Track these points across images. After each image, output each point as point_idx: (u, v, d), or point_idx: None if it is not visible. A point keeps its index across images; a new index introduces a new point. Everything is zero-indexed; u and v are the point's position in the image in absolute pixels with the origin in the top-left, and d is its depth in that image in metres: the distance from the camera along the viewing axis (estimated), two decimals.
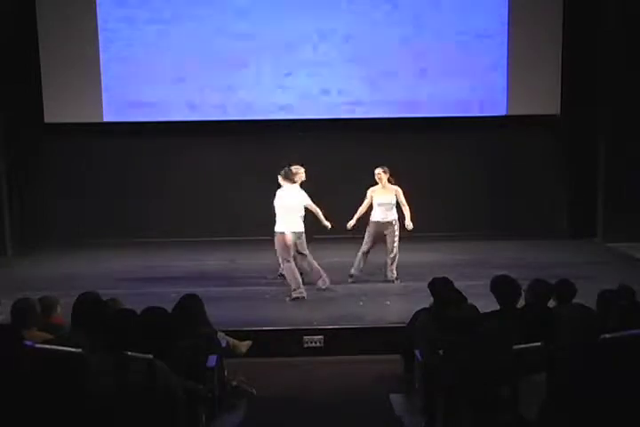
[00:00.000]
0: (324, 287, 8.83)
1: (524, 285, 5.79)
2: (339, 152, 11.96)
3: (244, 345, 6.65)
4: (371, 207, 9.24)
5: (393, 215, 9.18)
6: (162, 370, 4.30)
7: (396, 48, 11.91)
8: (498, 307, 5.66)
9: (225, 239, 11.85)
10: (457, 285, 6.19)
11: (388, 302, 8.42)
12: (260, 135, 11.97)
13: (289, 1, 11.90)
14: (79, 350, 4.43)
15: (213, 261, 10.61)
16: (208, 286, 8.83)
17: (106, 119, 11.97)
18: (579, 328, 4.83)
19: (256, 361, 6.80)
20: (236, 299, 8.68)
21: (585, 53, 11.89)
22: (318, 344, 7.44)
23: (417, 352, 5.74)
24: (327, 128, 11.98)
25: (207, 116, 11.94)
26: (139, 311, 4.84)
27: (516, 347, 4.58)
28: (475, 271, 9.36)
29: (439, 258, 10.54)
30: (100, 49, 11.79)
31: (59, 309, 5.75)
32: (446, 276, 6.31)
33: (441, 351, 5.12)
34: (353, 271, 9.30)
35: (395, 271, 9.27)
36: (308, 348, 7.43)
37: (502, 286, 5.69)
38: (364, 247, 9.25)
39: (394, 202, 9.15)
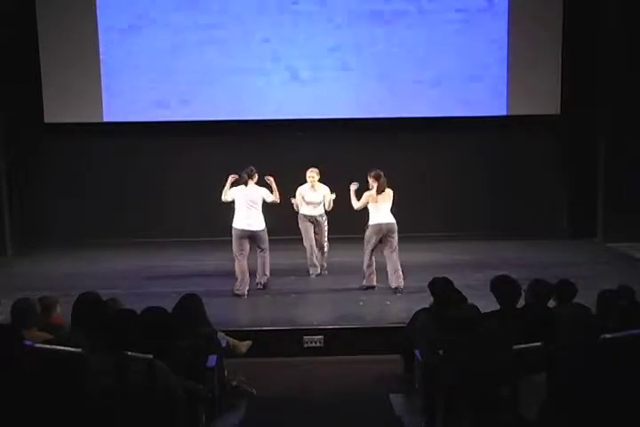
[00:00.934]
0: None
1: (524, 285, 5.79)
2: (339, 152, 11.95)
3: (244, 345, 6.66)
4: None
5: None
6: (162, 370, 4.30)
7: (397, 48, 11.91)
8: (498, 307, 5.66)
9: (225, 239, 11.81)
10: (457, 285, 6.19)
11: (388, 302, 8.42)
12: (260, 135, 11.97)
13: (289, 1, 11.89)
14: (79, 350, 4.43)
15: (213, 261, 10.60)
16: (208, 286, 8.83)
17: (106, 119, 11.97)
18: (579, 328, 4.82)
19: (256, 361, 6.80)
20: (235, 299, 8.68)
21: (585, 53, 11.89)
22: (318, 344, 7.44)
23: (417, 352, 5.74)
24: (327, 128, 11.98)
25: (207, 116, 11.93)
26: (139, 311, 4.84)
27: (515, 347, 4.58)
28: (475, 271, 9.36)
29: (439, 258, 10.54)
30: (100, 49, 11.79)
31: (58, 309, 5.76)
32: (446, 276, 6.31)
33: (441, 351, 5.13)
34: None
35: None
36: (307, 348, 7.43)
37: (502, 286, 5.69)
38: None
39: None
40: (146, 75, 11.88)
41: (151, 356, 4.31)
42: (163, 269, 10.29)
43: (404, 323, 6.65)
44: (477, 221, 12.31)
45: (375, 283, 8.92)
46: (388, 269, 8.80)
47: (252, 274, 9.01)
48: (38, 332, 5.08)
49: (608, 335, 4.48)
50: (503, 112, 12.12)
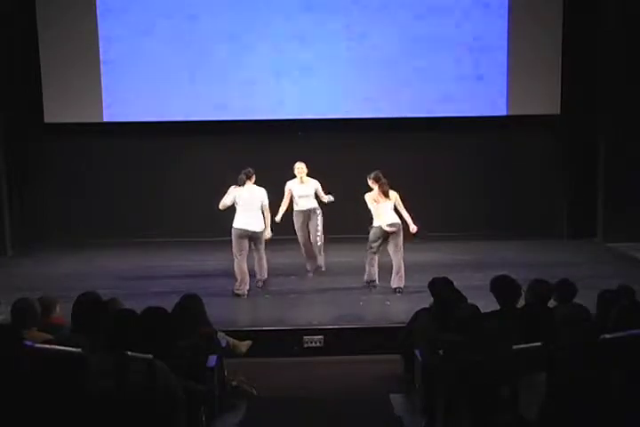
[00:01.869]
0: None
1: (524, 285, 5.79)
2: (339, 152, 11.95)
3: (244, 345, 6.66)
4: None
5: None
6: (162, 370, 4.30)
7: (397, 48, 11.90)
8: (498, 307, 5.66)
9: (225, 239, 11.81)
10: (457, 285, 6.20)
11: (388, 302, 8.42)
12: (260, 135, 11.97)
13: (289, 1, 11.90)
14: (79, 350, 4.43)
15: (213, 261, 10.60)
16: (208, 286, 8.83)
17: (106, 119, 11.97)
18: (579, 328, 4.83)
19: (256, 361, 6.80)
20: (236, 299, 8.69)
21: (585, 54, 11.89)
22: (318, 344, 7.44)
23: (417, 352, 5.74)
24: (327, 128, 11.97)
25: (207, 116, 11.93)
26: (139, 311, 4.84)
27: (515, 347, 4.58)
28: (475, 271, 9.36)
29: (439, 258, 10.54)
30: (100, 49, 11.78)
31: (58, 309, 5.76)
32: (446, 276, 6.31)
33: (441, 351, 5.13)
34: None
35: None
36: (307, 348, 7.43)
37: (502, 286, 5.70)
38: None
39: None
40: (146, 75, 11.87)
41: (151, 356, 4.31)
42: (163, 269, 10.29)
43: (403, 323, 6.65)
44: (477, 221, 12.31)
45: (376, 277, 8.89)
46: (393, 270, 8.82)
47: (252, 274, 9.02)
48: (38, 332, 5.08)
49: (608, 335, 4.49)
50: (503, 112, 12.11)
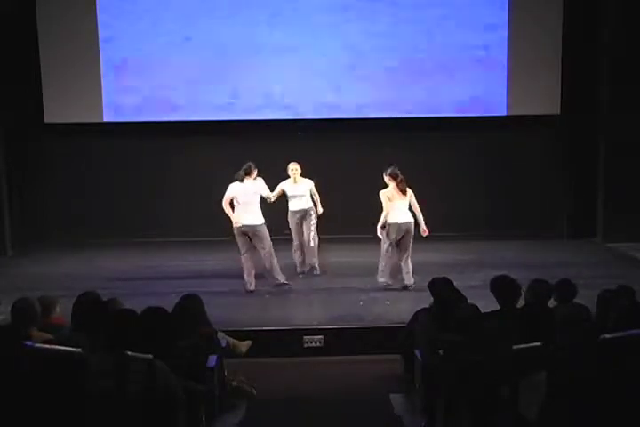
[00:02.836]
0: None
1: (524, 285, 5.79)
2: (339, 152, 11.95)
3: (244, 345, 6.66)
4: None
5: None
6: (162, 370, 4.30)
7: (397, 48, 11.90)
8: (498, 307, 5.66)
9: (224, 239, 11.84)
10: (457, 285, 6.19)
11: (388, 302, 8.42)
12: (261, 135, 11.96)
13: (289, 2, 11.89)
14: (79, 350, 4.44)
15: (213, 261, 10.61)
16: (208, 286, 8.83)
17: (106, 119, 11.97)
18: (579, 328, 4.83)
19: (256, 361, 6.80)
20: (236, 299, 8.68)
21: (585, 53, 11.89)
22: (318, 344, 7.44)
23: (417, 352, 5.74)
24: (327, 128, 11.98)
25: (207, 116, 11.93)
26: (139, 311, 4.84)
27: (515, 347, 4.58)
28: (475, 271, 9.35)
29: (439, 258, 10.54)
30: (100, 49, 11.78)
31: (58, 309, 5.75)
32: (446, 276, 6.31)
33: (441, 351, 5.13)
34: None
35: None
36: (308, 348, 7.43)
37: (502, 286, 5.69)
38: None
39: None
40: (146, 75, 11.87)
41: (151, 356, 4.31)
42: (163, 269, 10.29)
43: (404, 323, 6.65)
44: (477, 221, 12.31)
45: (391, 281, 8.86)
46: (402, 268, 8.82)
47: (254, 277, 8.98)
48: (38, 332, 5.08)
49: (608, 335, 4.49)
50: (503, 112, 12.11)
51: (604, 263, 10.28)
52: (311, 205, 9.66)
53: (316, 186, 9.74)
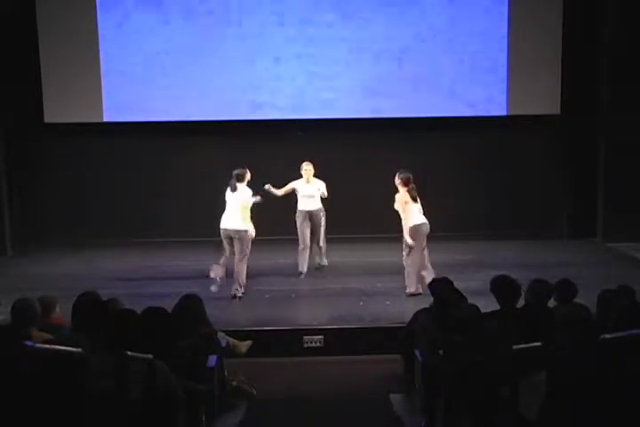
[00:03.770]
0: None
1: (524, 285, 5.79)
2: (339, 152, 11.94)
3: (244, 345, 6.66)
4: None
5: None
6: (162, 370, 4.30)
7: (396, 48, 11.90)
8: (498, 307, 5.66)
9: None
10: (457, 285, 6.19)
11: (388, 302, 8.41)
12: (260, 135, 11.96)
13: (290, 2, 11.90)
14: (79, 350, 4.44)
15: (213, 261, 10.57)
16: (208, 287, 8.82)
17: (106, 119, 11.97)
18: (579, 328, 4.82)
19: (256, 361, 6.80)
20: (236, 299, 8.67)
21: (585, 53, 11.89)
22: (318, 344, 7.44)
23: (417, 352, 5.74)
24: (327, 128, 11.97)
25: (207, 116, 11.93)
26: (139, 311, 4.84)
27: (515, 347, 4.58)
28: (475, 271, 9.37)
29: (439, 258, 10.52)
30: (100, 49, 11.78)
31: (58, 309, 5.76)
32: (446, 276, 6.31)
33: (441, 351, 5.13)
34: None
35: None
36: (308, 348, 7.43)
37: (502, 286, 5.70)
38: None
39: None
40: (146, 75, 11.87)
41: (151, 356, 4.31)
42: (163, 269, 10.29)
43: (403, 323, 6.65)
44: (477, 221, 12.30)
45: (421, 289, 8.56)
46: (426, 273, 8.65)
47: (254, 277, 8.98)
48: (38, 332, 5.08)
49: (608, 335, 4.49)
50: (503, 112, 12.11)
51: (603, 263, 10.28)
52: (321, 206, 9.65)
53: None
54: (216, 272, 8.85)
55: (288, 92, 11.95)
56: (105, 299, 5.53)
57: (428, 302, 6.26)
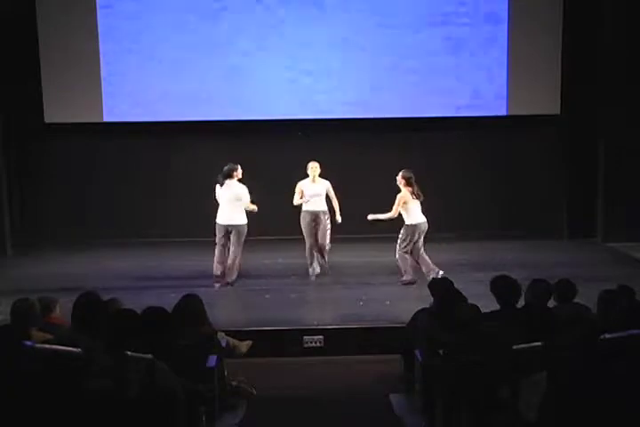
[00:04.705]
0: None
1: (524, 285, 5.79)
2: (338, 152, 11.93)
3: (244, 345, 6.65)
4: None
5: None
6: (162, 370, 4.30)
7: (396, 48, 11.90)
8: (498, 307, 5.66)
9: None
10: (457, 285, 6.19)
11: (388, 302, 8.41)
12: (261, 135, 11.96)
13: (290, 2, 11.90)
14: (79, 350, 4.44)
15: (213, 261, 10.58)
16: (208, 286, 8.82)
17: (106, 119, 11.97)
18: (579, 328, 4.83)
19: (256, 361, 6.80)
20: (235, 299, 8.68)
21: (585, 53, 11.88)
22: (318, 344, 7.44)
23: (417, 352, 5.74)
24: (327, 128, 11.97)
25: (207, 115, 11.93)
26: (139, 311, 4.84)
27: (515, 347, 4.58)
28: (475, 271, 9.36)
29: (439, 258, 10.52)
30: (100, 49, 11.78)
31: (58, 309, 5.76)
32: (446, 276, 6.32)
33: (441, 351, 5.13)
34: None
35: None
36: (307, 348, 7.43)
37: (502, 287, 5.69)
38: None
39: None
40: (146, 75, 11.87)
41: (151, 356, 4.31)
42: (163, 269, 10.29)
43: (403, 323, 6.65)
44: (477, 221, 12.30)
45: (416, 278, 8.95)
46: (422, 267, 8.95)
47: (254, 277, 9.01)
48: (38, 332, 5.08)
49: (608, 335, 4.49)
50: (503, 112, 12.11)
51: (603, 263, 10.28)
52: (325, 207, 9.54)
53: None
54: (217, 270, 8.96)
55: (288, 92, 11.95)
56: (105, 299, 5.53)
57: (428, 302, 6.26)
